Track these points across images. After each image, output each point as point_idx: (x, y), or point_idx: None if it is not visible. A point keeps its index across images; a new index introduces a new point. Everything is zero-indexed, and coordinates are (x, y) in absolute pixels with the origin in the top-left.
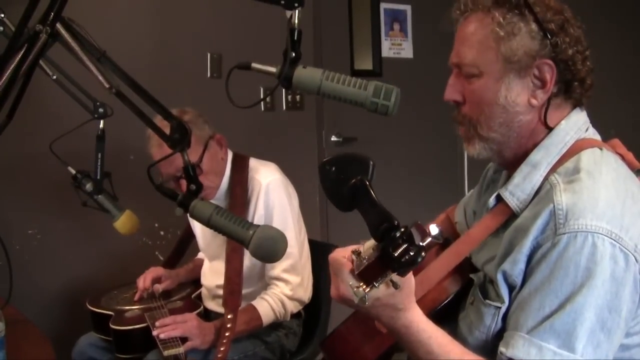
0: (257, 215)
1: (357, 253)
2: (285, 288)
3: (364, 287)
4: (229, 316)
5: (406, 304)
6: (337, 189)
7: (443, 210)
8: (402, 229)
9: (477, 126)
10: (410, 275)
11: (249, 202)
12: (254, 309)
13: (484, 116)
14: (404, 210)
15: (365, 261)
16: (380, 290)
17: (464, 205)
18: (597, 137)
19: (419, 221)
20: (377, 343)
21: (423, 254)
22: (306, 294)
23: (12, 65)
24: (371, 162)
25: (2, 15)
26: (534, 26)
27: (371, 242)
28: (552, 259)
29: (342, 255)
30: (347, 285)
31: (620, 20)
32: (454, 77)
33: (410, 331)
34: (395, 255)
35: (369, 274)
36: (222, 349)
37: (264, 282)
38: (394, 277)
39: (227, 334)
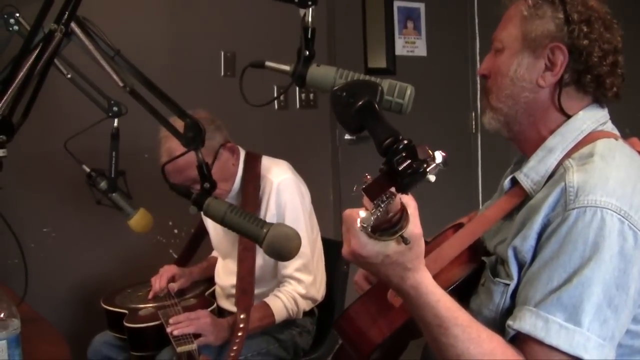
0: (269, 214)
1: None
2: (299, 287)
3: (370, 204)
4: (241, 316)
5: (415, 264)
6: (347, 112)
7: (453, 202)
8: (406, 142)
9: (490, 95)
10: (420, 235)
11: (261, 201)
12: (267, 306)
13: (496, 86)
14: (418, 207)
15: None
16: (391, 246)
17: (485, 207)
18: (616, 132)
19: (426, 146)
20: (391, 318)
21: (425, 166)
22: (319, 292)
23: (27, 64)
24: (380, 87)
25: (18, 15)
26: (560, 14)
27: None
28: (562, 234)
29: (356, 211)
30: (358, 240)
31: (636, 16)
32: (490, 54)
33: (419, 292)
34: (399, 169)
35: (373, 190)
36: (234, 347)
37: (276, 282)
38: (404, 233)
39: (239, 334)
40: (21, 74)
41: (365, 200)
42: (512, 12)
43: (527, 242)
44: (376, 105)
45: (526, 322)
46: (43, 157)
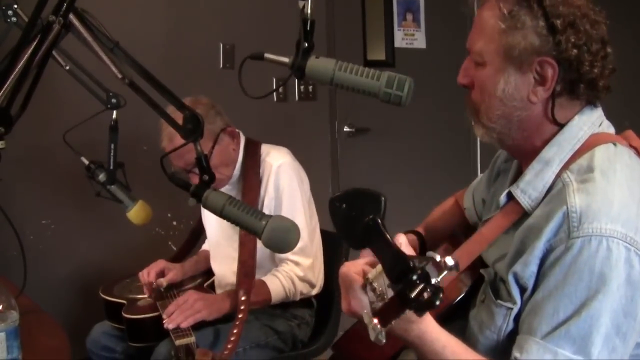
0: (268, 197)
1: (369, 281)
2: (296, 268)
3: (381, 326)
4: (242, 297)
5: (418, 316)
6: (348, 227)
7: (452, 194)
8: (419, 272)
9: (479, 114)
10: None
11: (260, 185)
12: (263, 283)
13: (484, 106)
14: (417, 201)
15: (378, 299)
16: None
17: (472, 191)
18: (611, 129)
19: (434, 256)
20: (393, 340)
21: (441, 295)
22: (317, 278)
23: (26, 56)
24: (383, 198)
25: (16, 6)
26: (540, 21)
27: (380, 267)
28: (566, 263)
29: (353, 270)
30: (359, 301)
31: (635, 6)
32: (468, 61)
33: (424, 342)
34: (412, 296)
35: (385, 313)
36: (235, 331)
37: (274, 267)
38: None
39: (240, 316)
40: (19, 66)
41: (362, 259)
42: (486, 21)
43: (528, 268)
44: (381, 224)
45: (534, 354)
46: (42, 149)
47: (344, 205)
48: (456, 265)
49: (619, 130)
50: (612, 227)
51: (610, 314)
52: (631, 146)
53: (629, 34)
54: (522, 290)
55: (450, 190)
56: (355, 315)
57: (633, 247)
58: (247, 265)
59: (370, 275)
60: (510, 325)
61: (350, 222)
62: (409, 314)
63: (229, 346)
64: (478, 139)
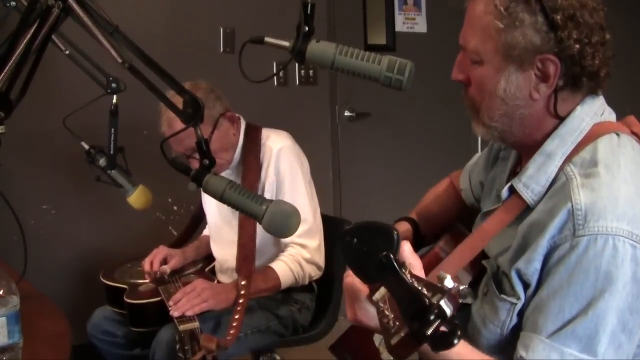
0: (268, 181)
1: (375, 302)
2: (303, 251)
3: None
4: (242, 282)
5: None
6: (360, 262)
7: (447, 175)
8: (436, 311)
9: (480, 112)
10: None
11: (260, 169)
12: (271, 269)
13: (485, 105)
14: (417, 185)
15: (387, 314)
16: None
17: (469, 172)
18: (613, 116)
19: (448, 286)
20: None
21: (459, 332)
22: (322, 258)
23: (25, 41)
24: (395, 234)
25: None
26: (539, 17)
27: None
28: (572, 262)
29: (358, 280)
30: (365, 312)
31: None
32: (461, 57)
33: (427, 348)
34: (429, 334)
35: (400, 349)
36: (236, 317)
37: (276, 251)
38: None
39: (240, 301)
40: (19, 51)
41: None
42: (479, 17)
43: (531, 265)
44: (394, 259)
45: (540, 353)
46: (42, 134)
47: (355, 240)
48: (470, 292)
49: (620, 116)
50: (618, 225)
51: (616, 312)
52: (633, 132)
53: (630, 19)
54: (525, 286)
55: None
56: (361, 325)
57: (639, 244)
58: (246, 249)
59: (377, 296)
60: (514, 320)
61: (362, 257)
62: None
63: (231, 332)
64: None
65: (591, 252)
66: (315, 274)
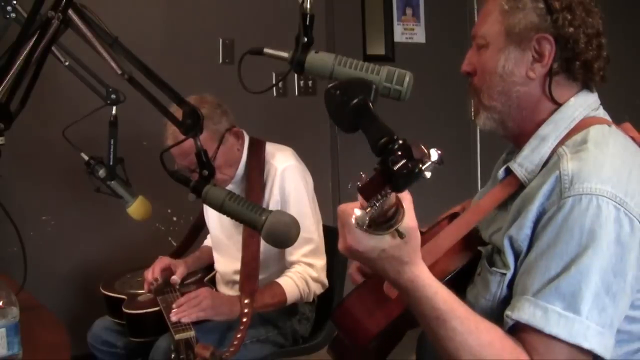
0: (273, 200)
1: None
2: (310, 270)
3: (365, 207)
4: (245, 301)
5: (412, 258)
6: (341, 111)
7: (451, 187)
8: (401, 142)
9: (481, 95)
10: (415, 229)
11: (264, 187)
12: (278, 284)
13: (486, 85)
14: (417, 195)
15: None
16: (386, 240)
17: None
18: (607, 117)
19: (420, 143)
20: (387, 310)
21: (421, 165)
22: (325, 277)
23: (25, 52)
24: (374, 85)
25: (15, 2)
26: (540, 3)
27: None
28: (558, 222)
29: (351, 207)
30: (354, 235)
31: (634, 3)
32: (471, 50)
33: (416, 285)
34: (395, 169)
35: (368, 190)
36: (239, 335)
37: (279, 267)
38: (400, 227)
39: (244, 320)
40: (19, 62)
41: (360, 197)
42: (490, 7)
43: (522, 231)
44: (371, 105)
45: (525, 311)
46: (41, 145)
47: (338, 92)
48: (440, 160)
49: (618, 124)
50: (602, 187)
51: (599, 271)
52: (628, 135)
53: (629, 29)
54: (517, 255)
55: (449, 183)
56: (350, 251)
57: (622, 207)
58: (250, 267)
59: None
60: (504, 292)
61: (342, 106)
62: (403, 253)
63: (231, 349)
64: (478, 132)
65: (576, 211)
66: (320, 291)
